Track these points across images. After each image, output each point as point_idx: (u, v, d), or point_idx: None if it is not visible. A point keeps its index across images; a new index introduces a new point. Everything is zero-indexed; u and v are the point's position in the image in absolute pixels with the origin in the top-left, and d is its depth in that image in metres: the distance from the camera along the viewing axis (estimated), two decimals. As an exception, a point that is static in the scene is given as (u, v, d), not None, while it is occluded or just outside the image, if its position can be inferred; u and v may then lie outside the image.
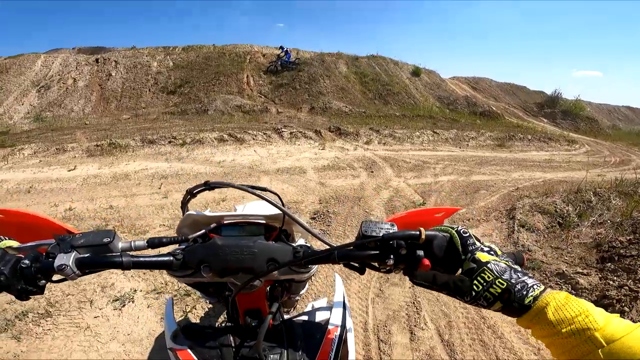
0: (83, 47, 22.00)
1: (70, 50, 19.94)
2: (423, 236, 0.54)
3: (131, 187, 4.75)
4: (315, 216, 3.83)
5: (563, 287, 2.69)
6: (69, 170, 5.52)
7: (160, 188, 4.67)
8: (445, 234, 0.56)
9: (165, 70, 15.17)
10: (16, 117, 11.69)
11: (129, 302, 2.30)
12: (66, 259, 0.53)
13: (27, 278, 0.53)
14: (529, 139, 10.77)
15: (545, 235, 3.65)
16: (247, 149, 6.97)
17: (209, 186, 0.70)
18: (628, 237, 3.28)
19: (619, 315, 0.42)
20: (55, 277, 0.56)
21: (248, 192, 0.66)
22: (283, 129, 8.35)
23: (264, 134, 7.99)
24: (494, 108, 17.18)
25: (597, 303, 2.33)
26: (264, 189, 0.73)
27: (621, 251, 3.04)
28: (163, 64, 15.62)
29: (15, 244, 0.60)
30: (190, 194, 0.75)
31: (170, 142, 7.13)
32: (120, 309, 2.24)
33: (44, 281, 0.55)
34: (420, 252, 0.55)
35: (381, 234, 0.56)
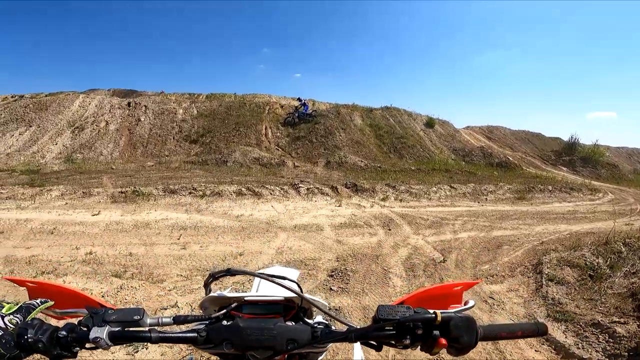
0: (117, 89, 23.38)
1: (106, 92, 21.29)
2: (439, 318, 0.58)
3: (151, 236, 4.89)
4: (333, 274, 3.79)
5: (600, 336, 2.52)
6: (93, 215, 5.74)
7: (179, 239, 4.78)
8: (461, 315, 0.59)
9: (190, 119, 15.76)
10: (48, 157, 12.17)
11: (143, 347, 2.29)
12: (100, 332, 0.60)
13: (63, 346, 0.60)
14: (549, 190, 10.57)
15: (577, 288, 3.47)
16: (265, 204, 7.11)
17: (230, 273, 0.74)
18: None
19: None
20: (88, 345, 0.62)
21: (268, 280, 0.72)
22: (300, 185, 8.53)
23: (281, 189, 8.16)
24: (510, 158, 17.14)
25: (636, 349, 2.18)
26: (283, 278, 0.77)
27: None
28: (188, 112, 16.28)
29: (51, 304, 0.68)
30: (213, 277, 0.79)
31: (190, 193, 7.36)
32: (133, 355, 2.23)
33: (77, 348, 0.61)
34: (437, 332, 0.58)
35: (397, 317, 0.60)
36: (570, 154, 21.41)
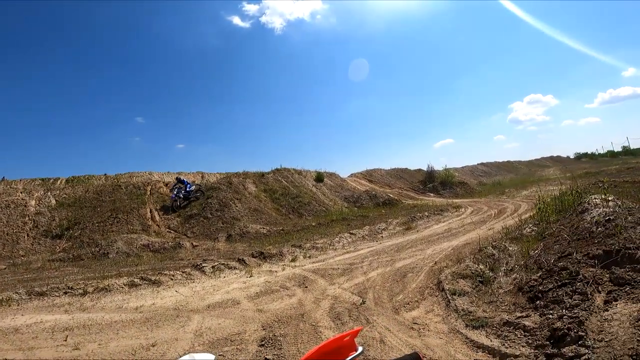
0: None
1: None
2: None
3: (27, 340, 3.99)
4: (263, 343, 3.56)
5: (516, 332, 2.88)
6: None
7: (66, 340, 3.97)
8: None
9: (47, 210, 13.21)
10: None
11: None
12: None
13: None
14: (426, 215, 12.27)
15: (476, 295, 3.99)
16: (167, 290, 6.29)
17: None
18: (538, 274, 3.81)
19: None
20: None
21: None
22: (203, 264, 7.88)
23: (183, 272, 7.38)
24: (391, 195, 19.43)
25: (552, 336, 2.57)
26: None
27: (540, 287, 3.49)
28: (43, 202, 13.60)
29: None
30: None
31: (66, 292, 6.07)
32: None
33: None
34: None
35: None
36: (432, 181, 25.71)
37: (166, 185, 16.41)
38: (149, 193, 15.23)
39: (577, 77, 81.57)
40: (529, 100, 71.27)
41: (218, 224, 13.43)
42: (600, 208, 5.24)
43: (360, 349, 0.83)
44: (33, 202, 13.48)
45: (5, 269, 9.58)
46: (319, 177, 20.49)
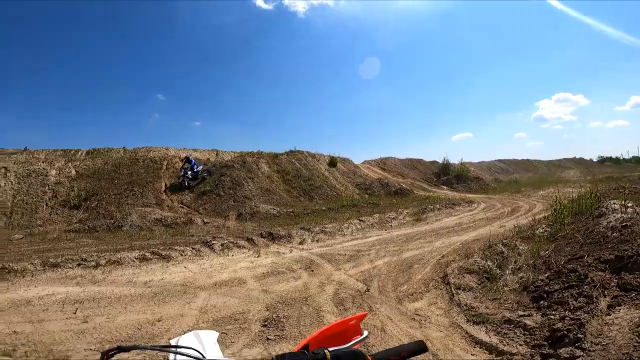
0: None
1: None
2: (328, 357, 0.65)
3: (37, 313, 4.14)
4: (266, 323, 3.67)
5: (516, 331, 2.89)
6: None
7: (75, 313, 4.12)
8: (347, 350, 0.68)
9: (67, 180, 13.48)
10: None
11: None
12: None
13: None
14: (438, 208, 12.16)
15: (480, 291, 3.99)
16: (176, 266, 6.49)
17: (122, 350, 0.72)
18: (546, 275, 3.78)
19: None
20: None
21: (164, 351, 0.73)
22: (213, 241, 8.07)
23: (193, 248, 7.58)
24: (404, 185, 19.29)
25: (551, 337, 2.57)
26: (181, 347, 0.78)
27: (546, 288, 3.46)
28: (64, 173, 13.84)
29: None
30: (106, 354, 0.76)
31: (79, 264, 6.30)
32: None
33: None
34: None
35: None
36: (447, 174, 25.32)
37: (181, 160, 16.51)
38: (164, 167, 15.39)
39: (611, 78, 78.08)
40: (558, 99, 68.82)
41: (229, 202, 13.62)
42: (618, 214, 5.09)
43: (365, 333, 0.84)
44: (54, 172, 13.78)
45: (22, 238, 9.96)
46: (332, 162, 20.38)
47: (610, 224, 4.64)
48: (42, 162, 14.23)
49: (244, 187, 14.59)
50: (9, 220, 11.30)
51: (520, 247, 5.30)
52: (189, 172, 14.43)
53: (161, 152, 16.78)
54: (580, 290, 3.10)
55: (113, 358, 0.75)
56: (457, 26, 69.61)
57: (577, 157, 52.60)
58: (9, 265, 6.01)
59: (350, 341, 0.80)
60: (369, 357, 0.67)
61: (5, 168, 13.24)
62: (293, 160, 18.86)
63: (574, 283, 3.29)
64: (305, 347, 0.69)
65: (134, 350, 0.71)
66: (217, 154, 17.97)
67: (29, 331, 3.60)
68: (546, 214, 8.41)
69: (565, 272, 3.57)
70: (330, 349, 0.65)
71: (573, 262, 3.80)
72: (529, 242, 5.62)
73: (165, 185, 14.51)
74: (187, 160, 14.97)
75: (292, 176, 17.06)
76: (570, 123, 71.94)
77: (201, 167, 15.14)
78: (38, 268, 6.09)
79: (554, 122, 72.31)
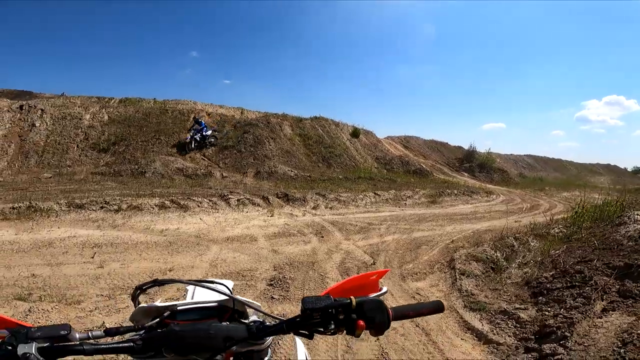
0: (7, 89, 19.88)
1: (-9, 92, 17.94)
2: (354, 303, 0.68)
3: (57, 255, 4.38)
4: (272, 283, 3.85)
5: (508, 322, 3.00)
6: (-23, 234, 4.91)
7: (93, 257, 4.37)
8: (372, 299, 0.71)
9: (99, 125, 14.02)
10: None
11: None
12: (28, 348, 0.56)
13: None
14: (455, 193, 12.04)
15: (483, 280, 4.07)
16: (192, 217, 6.81)
17: (157, 283, 0.74)
18: (551, 273, 3.81)
19: None
20: None
21: (197, 285, 0.76)
22: (230, 196, 8.36)
23: (210, 200, 7.89)
24: (424, 166, 19.05)
25: (540, 332, 2.67)
26: (212, 281, 0.80)
27: (548, 285, 3.51)
28: (97, 118, 14.40)
29: None
30: (140, 289, 0.78)
31: (102, 207, 6.66)
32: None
33: None
34: (354, 316, 0.68)
35: (320, 305, 0.68)
36: (470, 161, 24.72)
37: (209, 115, 16.76)
38: (191, 120, 15.62)
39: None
40: (608, 101, 64.56)
41: (249, 159, 13.88)
42: (639, 224, 4.96)
43: (385, 288, 0.84)
44: (88, 116, 14.35)
45: (51, 177, 10.48)
46: (355, 133, 20.15)
47: (629, 233, 4.54)
48: (78, 107, 14.79)
49: (265, 146, 14.76)
50: (40, 158, 11.88)
51: (532, 244, 5.29)
52: (197, 135, 13.94)
53: (189, 106, 17.07)
54: (581, 291, 3.13)
55: (145, 292, 0.81)
56: (522, 12, 64.65)
57: (612, 164, 50.25)
58: (36, 204, 6.36)
59: (371, 294, 0.80)
60: (389, 309, 0.71)
61: (42, 110, 13.80)
62: (316, 126, 18.78)
63: (577, 284, 3.31)
64: (327, 295, 0.71)
65: (168, 284, 0.75)
66: (242, 112, 18.08)
67: (46, 275, 3.78)
68: (565, 216, 8.23)
69: (571, 273, 3.58)
70: (356, 297, 0.68)
71: (581, 264, 3.79)
72: (542, 240, 5.58)
73: (190, 137, 14.76)
74: (197, 121, 14.38)
75: (313, 141, 17.09)
76: (614, 128, 67.93)
77: (210, 131, 14.55)
78: (63, 208, 6.41)
79: (596, 125, 68.43)
